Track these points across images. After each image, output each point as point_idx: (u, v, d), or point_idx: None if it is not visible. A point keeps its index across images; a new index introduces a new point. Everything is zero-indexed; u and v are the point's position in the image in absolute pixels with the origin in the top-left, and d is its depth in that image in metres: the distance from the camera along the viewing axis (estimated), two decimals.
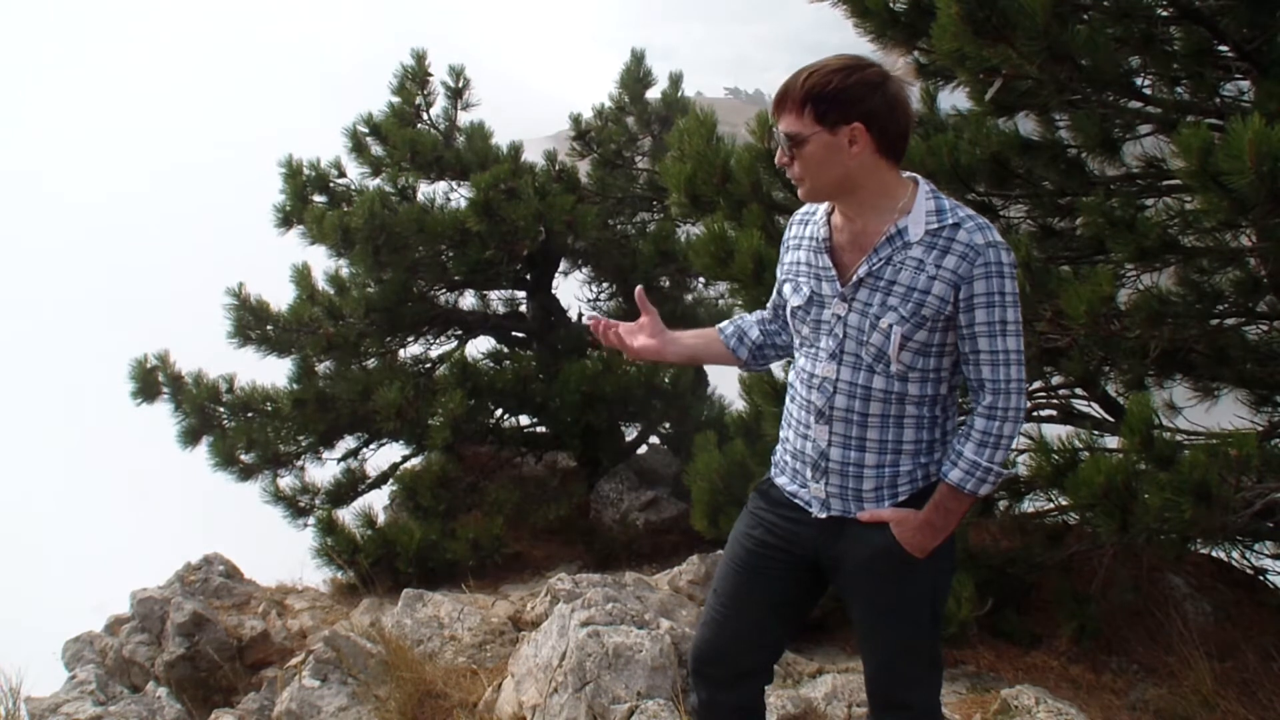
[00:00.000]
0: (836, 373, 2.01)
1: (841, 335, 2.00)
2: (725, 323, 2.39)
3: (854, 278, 1.98)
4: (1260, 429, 4.19)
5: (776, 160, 1.99)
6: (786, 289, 2.13)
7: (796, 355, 2.13)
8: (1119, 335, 3.73)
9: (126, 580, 5.71)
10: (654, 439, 8.24)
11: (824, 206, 2.08)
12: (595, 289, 8.42)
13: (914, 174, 2.02)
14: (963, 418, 2.06)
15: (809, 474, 2.08)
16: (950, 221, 1.92)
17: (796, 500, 2.12)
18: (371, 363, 7.39)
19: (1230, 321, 4.28)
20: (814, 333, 2.06)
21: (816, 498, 2.08)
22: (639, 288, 2.36)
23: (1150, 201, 4.29)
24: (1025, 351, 1.97)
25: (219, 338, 7.06)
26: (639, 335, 2.31)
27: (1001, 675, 4.11)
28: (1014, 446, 2.16)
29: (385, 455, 7.41)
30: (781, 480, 2.16)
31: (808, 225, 2.12)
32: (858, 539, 2.04)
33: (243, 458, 6.92)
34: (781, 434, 2.19)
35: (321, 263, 7.30)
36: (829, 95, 1.89)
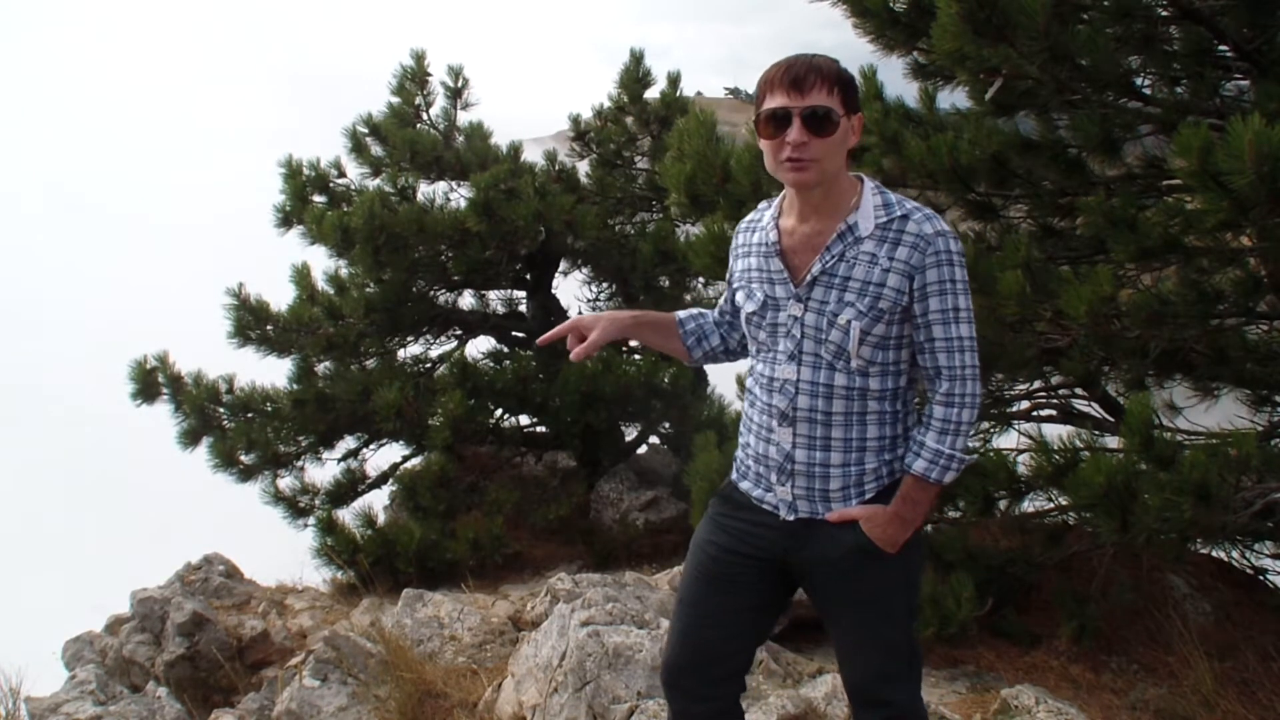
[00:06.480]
0: (797, 373, 2.02)
1: (799, 336, 2.01)
2: (685, 315, 2.36)
3: (808, 277, 1.99)
4: (1260, 429, 4.20)
5: (789, 137, 1.89)
6: (739, 296, 2.14)
7: (754, 361, 2.14)
8: (1119, 335, 3.72)
9: (126, 580, 5.71)
10: (654, 439, 8.25)
11: (770, 213, 2.10)
12: (595, 289, 8.44)
13: (858, 173, 2.05)
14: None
15: (774, 478, 2.08)
16: (898, 214, 1.95)
17: (763, 505, 2.12)
18: (371, 363, 7.41)
19: (1230, 321, 4.28)
20: (771, 337, 2.07)
21: (783, 500, 2.08)
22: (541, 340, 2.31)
23: (1150, 201, 4.29)
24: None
25: (219, 338, 7.08)
26: (589, 335, 2.19)
27: (1001, 675, 4.11)
28: (977, 433, 2.16)
29: (385, 455, 7.43)
30: (745, 485, 2.16)
31: (755, 233, 2.13)
32: (828, 539, 2.05)
33: (243, 458, 6.93)
34: (741, 439, 2.19)
35: (321, 263, 7.32)
36: (852, 82, 1.94)
